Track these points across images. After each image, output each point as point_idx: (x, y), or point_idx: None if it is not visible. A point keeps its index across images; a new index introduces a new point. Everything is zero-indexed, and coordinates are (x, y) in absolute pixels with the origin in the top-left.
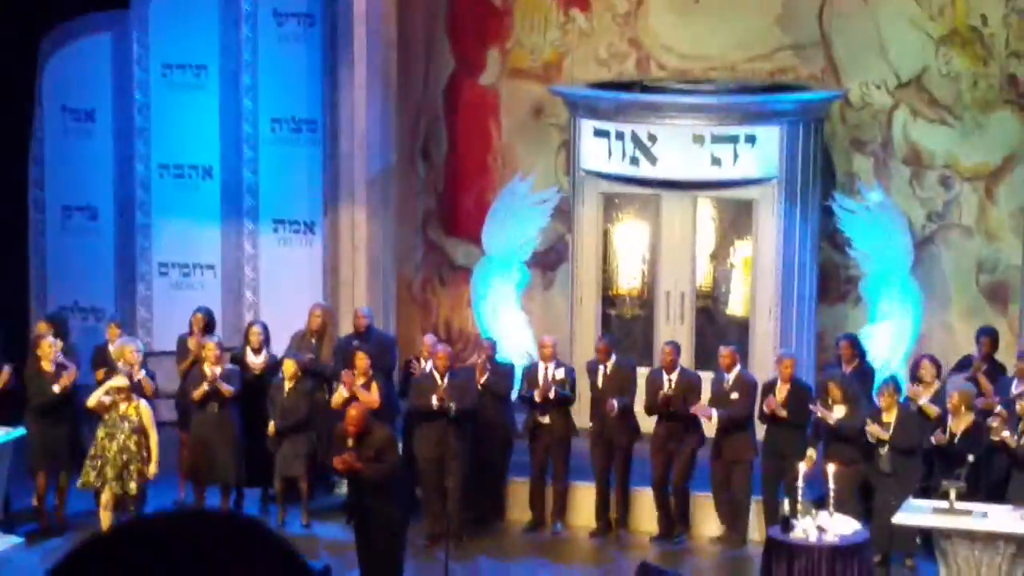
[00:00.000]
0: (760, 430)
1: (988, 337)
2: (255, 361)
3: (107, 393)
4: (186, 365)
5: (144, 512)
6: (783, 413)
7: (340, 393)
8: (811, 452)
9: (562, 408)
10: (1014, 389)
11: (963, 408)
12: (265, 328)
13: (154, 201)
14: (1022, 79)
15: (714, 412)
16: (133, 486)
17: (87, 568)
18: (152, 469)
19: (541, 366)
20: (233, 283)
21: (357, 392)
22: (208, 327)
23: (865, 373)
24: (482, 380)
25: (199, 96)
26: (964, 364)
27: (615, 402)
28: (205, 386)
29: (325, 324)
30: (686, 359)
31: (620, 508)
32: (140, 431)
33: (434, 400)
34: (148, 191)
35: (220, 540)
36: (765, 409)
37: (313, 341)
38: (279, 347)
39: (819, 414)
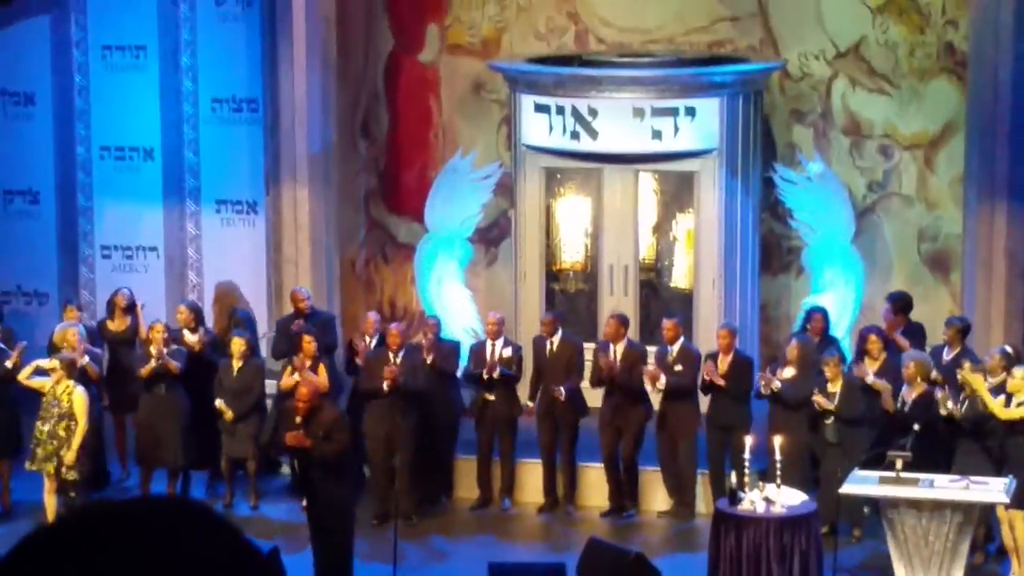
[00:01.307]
0: (704, 403)
1: (892, 302)
2: (191, 339)
3: (37, 371)
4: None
5: (88, 498)
6: (720, 381)
7: (288, 375)
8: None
9: (508, 386)
10: (945, 356)
11: (919, 378)
12: (194, 306)
13: (95, 183)
14: (958, 47)
15: (663, 376)
16: (70, 472)
17: (30, 562)
18: (69, 457)
19: (488, 343)
20: (176, 265)
21: (306, 376)
22: (130, 307)
23: (829, 345)
24: (428, 358)
25: (139, 77)
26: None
27: (562, 389)
28: (153, 363)
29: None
30: (631, 332)
31: (567, 484)
32: (70, 417)
33: (385, 384)
34: (89, 174)
35: (167, 528)
36: (705, 376)
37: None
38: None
39: (762, 382)
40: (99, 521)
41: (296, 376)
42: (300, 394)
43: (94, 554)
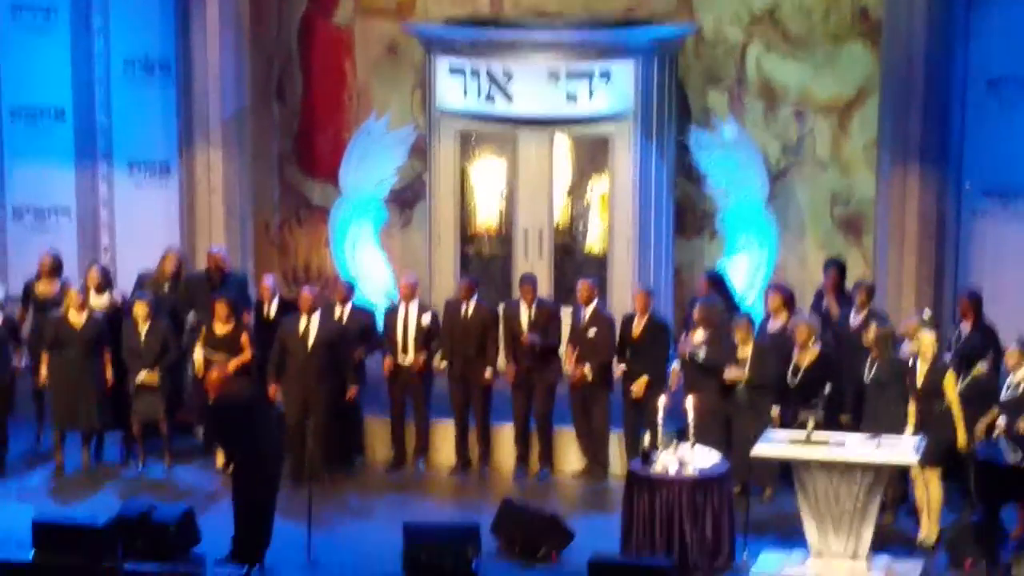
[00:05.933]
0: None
1: (835, 267)
2: (98, 301)
3: None
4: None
5: None
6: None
7: (199, 348)
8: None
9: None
10: (852, 319)
11: (810, 342)
12: (104, 269)
13: (6, 144)
14: (872, 12)
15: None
16: None
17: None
18: None
19: (401, 306)
20: (88, 226)
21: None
22: (56, 269)
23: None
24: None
25: (50, 38)
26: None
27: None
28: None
29: (180, 267)
30: (546, 295)
31: (481, 445)
32: None
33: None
34: (0, 135)
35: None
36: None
37: (166, 286)
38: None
39: (687, 349)
40: None
41: (203, 352)
42: (210, 380)
43: None
